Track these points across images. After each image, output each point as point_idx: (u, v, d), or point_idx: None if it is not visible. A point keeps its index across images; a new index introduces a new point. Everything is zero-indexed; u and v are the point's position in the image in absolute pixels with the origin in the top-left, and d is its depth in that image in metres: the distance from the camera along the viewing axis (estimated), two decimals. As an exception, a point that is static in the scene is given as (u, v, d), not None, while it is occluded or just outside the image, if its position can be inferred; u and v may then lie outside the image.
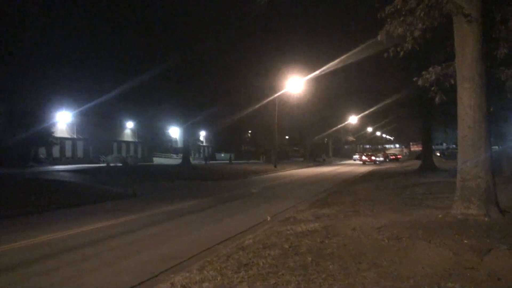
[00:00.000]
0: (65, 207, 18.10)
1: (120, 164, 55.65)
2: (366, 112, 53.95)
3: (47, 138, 49.82)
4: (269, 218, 14.55)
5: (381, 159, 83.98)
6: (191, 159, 64.65)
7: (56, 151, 57.85)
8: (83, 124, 61.47)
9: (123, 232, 12.64)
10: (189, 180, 34.99)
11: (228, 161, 75.31)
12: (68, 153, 60.72)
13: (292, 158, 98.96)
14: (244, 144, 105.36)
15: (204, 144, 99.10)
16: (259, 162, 77.86)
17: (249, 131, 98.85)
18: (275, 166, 55.25)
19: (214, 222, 14.15)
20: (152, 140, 76.70)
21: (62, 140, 59.08)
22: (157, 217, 15.28)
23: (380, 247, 8.67)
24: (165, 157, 79.54)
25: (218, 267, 8.08)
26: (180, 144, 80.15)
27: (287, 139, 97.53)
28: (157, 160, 75.29)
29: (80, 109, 55.46)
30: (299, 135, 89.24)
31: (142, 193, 23.63)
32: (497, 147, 57.77)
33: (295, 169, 56.88)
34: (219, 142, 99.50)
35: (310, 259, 8.13)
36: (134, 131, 75.93)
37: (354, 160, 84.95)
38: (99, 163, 58.96)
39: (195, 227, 13.40)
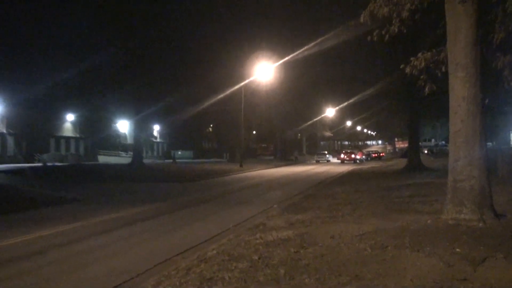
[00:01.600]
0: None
1: (59, 164, 54.94)
2: (346, 104, 54.66)
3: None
4: (231, 226, 14.62)
5: (361, 157, 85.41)
6: (143, 157, 64.30)
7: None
8: (14, 116, 60.41)
9: (65, 243, 12.47)
10: (142, 182, 34.76)
11: (190, 159, 75.27)
12: None
13: (261, 156, 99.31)
14: (205, 140, 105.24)
15: (159, 140, 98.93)
16: (222, 161, 77.97)
17: (211, 126, 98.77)
18: (241, 166, 55.41)
19: (172, 231, 14.16)
20: (97, 135, 76.00)
21: (-14, 135, 58.42)
22: (105, 225, 15.21)
23: (362, 258, 8.73)
24: (112, 155, 78.76)
25: (177, 282, 8.04)
26: (130, 140, 79.42)
27: (254, 134, 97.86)
28: (103, 159, 74.77)
29: (10, 99, 54.48)
30: (269, 130, 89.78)
31: (86, 198, 23.52)
32: (491, 143, 59.27)
33: (264, 168, 57.18)
34: (176, 138, 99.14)
35: (283, 271, 8.14)
36: (76, 125, 74.87)
37: (317, 161, 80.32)
38: (34, 162, 57.91)
39: (149, 236, 13.36)
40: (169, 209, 19.44)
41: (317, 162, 78.03)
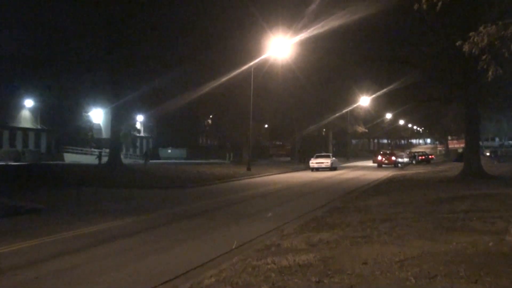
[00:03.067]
0: None
1: (14, 163, 55.11)
2: (384, 91, 54.40)
3: None
4: (235, 245, 14.63)
5: (405, 160, 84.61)
6: (122, 157, 64.35)
7: None
8: None
9: (20, 265, 12.38)
10: (120, 187, 35.00)
11: (183, 159, 74.77)
12: None
13: (275, 157, 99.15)
14: (203, 136, 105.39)
15: (143, 134, 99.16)
16: (224, 163, 78.40)
17: (210, 117, 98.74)
18: (249, 169, 55.49)
19: (158, 251, 14.18)
20: (63, 127, 76.07)
21: None
22: (72, 243, 15.29)
23: (404, 291, 8.87)
24: (82, 153, 79.00)
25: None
26: (106, 135, 79.62)
27: (267, 129, 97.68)
28: (71, 158, 75.28)
29: None
30: (285, 124, 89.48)
31: (49, 207, 23.56)
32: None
33: (278, 173, 57.25)
34: (164, 133, 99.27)
35: (301, 308, 8.35)
36: (36, 114, 75.18)
37: (312, 169, 64.54)
38: None
39: (129, 258, 13.37)
40: (155, 223, 19.66)
41: (313, 170, 63.93)
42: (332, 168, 63.83)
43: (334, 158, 67.79)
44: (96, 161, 59.24)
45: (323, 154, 71.60)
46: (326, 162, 64.50)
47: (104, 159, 59.51)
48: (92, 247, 14.66)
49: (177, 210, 23.66)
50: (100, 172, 45.90)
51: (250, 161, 57.88)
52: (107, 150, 65.51)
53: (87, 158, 73.94)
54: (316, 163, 64.17)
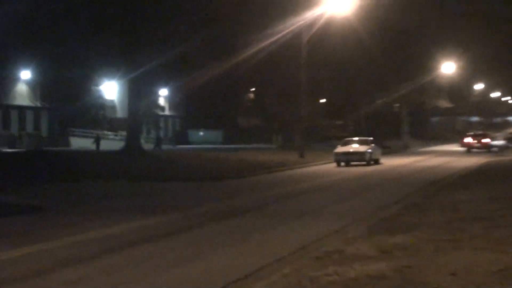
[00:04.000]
0: None
1: (8, 150, 55.82)
2: (475, 55, 53.63)
3: None
4: (287, 253, 14.40)
5: (501, 142, 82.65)
6: (142, 141, 64.52)
7: None
8: None
9: (20, 276, 12.37)
10: (140, 180, 35.45)
11: (219, 144, 74.69)
12: None
13: (333, 140, 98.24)
14: (243, 115, 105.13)
15: (167, 113, 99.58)
16: (270, 148, 78.46)
17: (252, 91, 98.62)
18: (302, 155, 55.76)
19: (189, 259, 14.11)
20: (69, 105, 76.46)
21: None
22: (82, 249, 15.37)
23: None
24: (92, 137, 79.33)
25: None
26: (121, 114, 79.99)
27: (324, 104, 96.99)
28: (78, 142, 75.55)
29: None
30: (347, 99, 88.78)
31: (54, 204, 23.82)
32: None
33: None
34: (195, 111, 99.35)
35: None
36: (35, 88, 75.83)
37: (338, 161, 51.89)
38: None
39: (153, 268, 13.30)
40: (185, 224, 19.76)
41: (339, 165, 51.19)
42: (370, 160, 51.07)
43: (373, 145, 54.06)
44: (114, 146, 59.75)
45: (357, 139, 56.47)
46: (360, 152, 51.35)
47: (115, 144, 59.85)
48: (105, 254, 14.68)
49: (214, 208, 23.65)
50: (115, 160, 46.20)
51: (303, 145, 57.90)
52: (123, 133, 65.93)
53: (101, 144, 74.40)
54: (343, 153, 51.57)
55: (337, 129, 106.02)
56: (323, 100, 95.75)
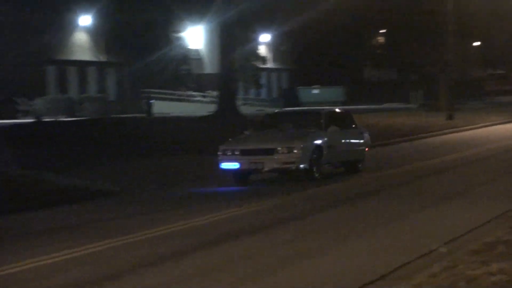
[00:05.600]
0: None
1: (68, 118, 57.52)
2: None
3: None
4: (443, 249, 13.84)
5: None
6: (239, 103, 64.50)
7: None
8: None
9: (98, 278, 12.75)
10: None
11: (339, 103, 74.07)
12: None
13: (492, 95, 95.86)
14: (371, 66, 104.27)
15: (270, 66, 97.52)
16: (408, 108, 77.91)
17: (381, 33, 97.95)
18: (450, 117, 57.25)
19: (300, 256, 14.18)
20: (143, 59, 77.16)
21: None
22: (177, 242, 16.18)
23: None
24: (174, 99, 79.80)
25: None
26: (210, 69, 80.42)
27: (477, 49, 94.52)
28: (160, 106, 75.60)
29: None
30: (509, 40, 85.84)
31: (136, 187, 25.77)
32: None
33: (500, 122, 58.37)
34: (307, 63, 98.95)
35: None
36: (98, 38, 76.95)
37: None
38: (17, 117, 63.24)
39: (253, 267, 13.43)
40: (298, 209, 20.68)
41: None
42: None
43: None
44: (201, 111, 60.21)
45: None
46: None
47: (203, 108, 60.20)
48: (199, 248, 15.30)
49: (333, 189, 24.85)
50: (202, 128, 47.18)
51: (452, 104, 57.24)
52: (213, 94, 66.20)
53: (182, 107, 74.96)
54: None
55: (497, 82, 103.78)
56: (476, 44, 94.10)
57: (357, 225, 17.00)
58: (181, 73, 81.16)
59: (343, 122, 33.16)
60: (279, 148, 29.10)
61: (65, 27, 71.42)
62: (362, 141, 33.34)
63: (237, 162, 29.40)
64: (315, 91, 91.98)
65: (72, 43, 73.45)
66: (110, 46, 74.14)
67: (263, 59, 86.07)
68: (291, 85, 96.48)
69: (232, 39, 55.20)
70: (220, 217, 19.63)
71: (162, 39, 75.96)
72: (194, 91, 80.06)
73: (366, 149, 33.36)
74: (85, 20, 71.98)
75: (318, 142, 29.85)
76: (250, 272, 13.09)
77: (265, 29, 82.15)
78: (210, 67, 78.32)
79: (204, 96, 75.55)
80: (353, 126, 34.19)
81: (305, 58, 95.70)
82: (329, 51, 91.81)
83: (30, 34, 67.74)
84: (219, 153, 29.99)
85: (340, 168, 32.08)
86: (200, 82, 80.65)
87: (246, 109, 63.57)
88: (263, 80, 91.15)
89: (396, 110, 68.34)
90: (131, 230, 17.49)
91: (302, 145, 28.86)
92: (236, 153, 29.37)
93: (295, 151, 28.71)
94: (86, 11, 70.68)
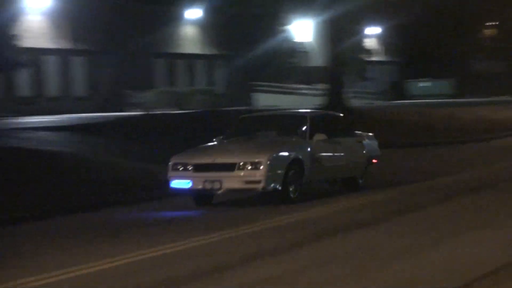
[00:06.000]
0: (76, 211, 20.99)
1: (175, 111, 56.94)
2: None
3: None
4: None
5: None
6: (349, 96, 63.27)
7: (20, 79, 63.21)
8: (77, 15, 67.79)
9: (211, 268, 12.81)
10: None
11: (444, 98, 72.62)
12: (39, 87, 67.34)
13: None
14: (480, 58, 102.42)
15: (380, 58, 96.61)
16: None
17: (492, 25, 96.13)
18: None
19: (400, 252, 13.61)
20: (247, 51, 77.08)
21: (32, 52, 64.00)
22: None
23: None
24: (281, 92, 79.40)
25: None
26: (317, 62, 79.55)
27: None
28: (263, 99, 75.76)
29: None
30: None
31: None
32: None
33: None
34: (414, 56, 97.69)
35: None
36: (207, 32, 77.52)
37: None
38: (125, 110, 63.86)
39: (351, 265, 12.73)
40: (407, 203, 20.46)
41: None
42: None
43: None
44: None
45: None
46: None
47: (310, 101, 59.53)
48: (313, 241, 15.11)
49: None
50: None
51: None
52: (319, 87, 65.55)
53: (288, 100, 74.41)
54: None
55: None
56: None
57: (463, 223, 16.51)
58: (288, 66, 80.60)
59: (335, 128, 26.94)
60: (240, 163, 22.59)
61: (174, 21, 71.96)
62: (362, 152, 26.67)
63: (188, 179, 23.15)
64: (423, 84, 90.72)
65: (180, 36, 73.76)
66: (218, 39, 74.24)
67: (370, 52, 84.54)
68: (400, 78, 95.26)
69: (340, 32, 54.72)
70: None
71: (270, 32, 75.73)
72: (301, 84, 79.45)
73: (374, 161, 27.33)
74: (193, 13, 72.28)
75: (297, 154, 23.57)
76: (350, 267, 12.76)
77: (374, 22, 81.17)
78: (317, 60, 77.46)
79: (310, 89, 74.88)
80: (350, 133, 27.64)
81: (415, 51, 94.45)
82: (438, 44, 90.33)
83: (139, 28, 67.74)
84: (168, 167, 23.76)
85: (339, 184, 26.16)
86: (307, 75, 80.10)
87: (355, 102, 62.26)
88: (372, 73, 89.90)
89: (507, 103, 66.83)
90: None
91: (270, 159, 22.26)
92: (189, 168, 23.03)
93: (261, 167, 22.13)
94: (194, 4, 70.68)
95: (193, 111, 55.50)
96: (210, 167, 22.53)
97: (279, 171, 21.88)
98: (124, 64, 69.80)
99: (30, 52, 63.72)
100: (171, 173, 23.18)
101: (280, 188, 21.68)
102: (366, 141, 27.11)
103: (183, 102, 63.29)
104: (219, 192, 22.64)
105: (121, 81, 69.95)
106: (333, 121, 27.04)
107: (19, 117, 51.99)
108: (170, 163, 23.22)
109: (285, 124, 27.00)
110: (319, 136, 23.35)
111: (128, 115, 52.31)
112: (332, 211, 20.02)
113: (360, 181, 25.56)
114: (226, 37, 74.55)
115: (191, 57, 75.82)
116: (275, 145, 23.42)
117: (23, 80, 65.31)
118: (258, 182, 21.79)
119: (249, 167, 22.04)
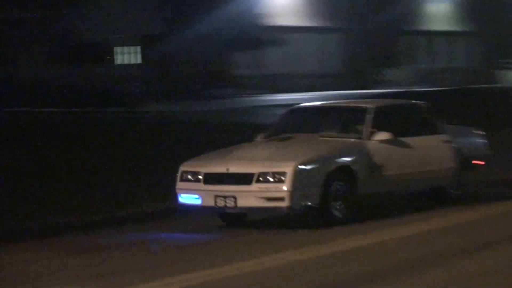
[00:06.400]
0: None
1: (432, 88, 56.00)
2: None
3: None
4: None
5: None
6: None
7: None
8: None
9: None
10: None
11: None
12: (289, 65, 68.26)
13: None
14: None
15: None
16: None
17: None
18: None
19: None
20: (497, 28, 76.76)
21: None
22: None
23: None
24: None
25: None
26: None
27: None
28: (508, 77, 73.97)
29: None
30: None
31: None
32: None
33: None
34: None
35: None
36: (449, 9, 77.71)
37: None
38: (373, 87, 63.51)
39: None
40: None
41: None
42: None
43: None
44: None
45: None
46: None
47: None
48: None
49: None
50: None
51: None
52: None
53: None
54: None
55: None
56: None
57: None
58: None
59: (410, 124, 20.36)
60: (259, 173, 16.62)
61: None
62: (451, 154, 19.75)
63: (197, 194, 17.50)
64: None
65: (423, 13, 74.64)
66: (460, 16, 74.32)
67: None
68: None
69: None
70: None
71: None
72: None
73: (479, 162, 20.93)
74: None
75: (344, 160, 17.54)
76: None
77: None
78: None
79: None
80: (432, 130, 20.26)
81: None
82: None
83: (382, 5, 69.05)
84: (177, 177, 18.05)
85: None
86: None
87: None
88: None
89: None
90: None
91: (297, 168, 16.30)
92: (199, 178, 17.22)
93: (284, 179, 16.19)
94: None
95: (448, 88, 55.78)
96: (223, 178, 17.10)
97: (314, 184, 16.56)
98: (369, 42, 70.13)
99: (280, 30, 64.22)
100: (179, 185, 17.73)
101: (316, 205, 16.42)
102: (463, 139, 20.89)
103: (434, 79, 63.92)
104: (233, 211, 17.38)
105: (368, 59, 69.89)
106: (409, 115, 20.54)
107: (269, 95, 53.73)
108: (178, 172, 17.68)
109: (341, 120, 20.03)
110: (382, 135, 17.83)
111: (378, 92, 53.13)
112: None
113: (452, 191, 19.69)
114: (469, 13, 74.60)
115: (447, 34, 76.24)
116: (309, 149, 17.60)
117: (273, 58, 65.85)
118: (282, 199, 16.34)
119: (271, 179, 16.50)
